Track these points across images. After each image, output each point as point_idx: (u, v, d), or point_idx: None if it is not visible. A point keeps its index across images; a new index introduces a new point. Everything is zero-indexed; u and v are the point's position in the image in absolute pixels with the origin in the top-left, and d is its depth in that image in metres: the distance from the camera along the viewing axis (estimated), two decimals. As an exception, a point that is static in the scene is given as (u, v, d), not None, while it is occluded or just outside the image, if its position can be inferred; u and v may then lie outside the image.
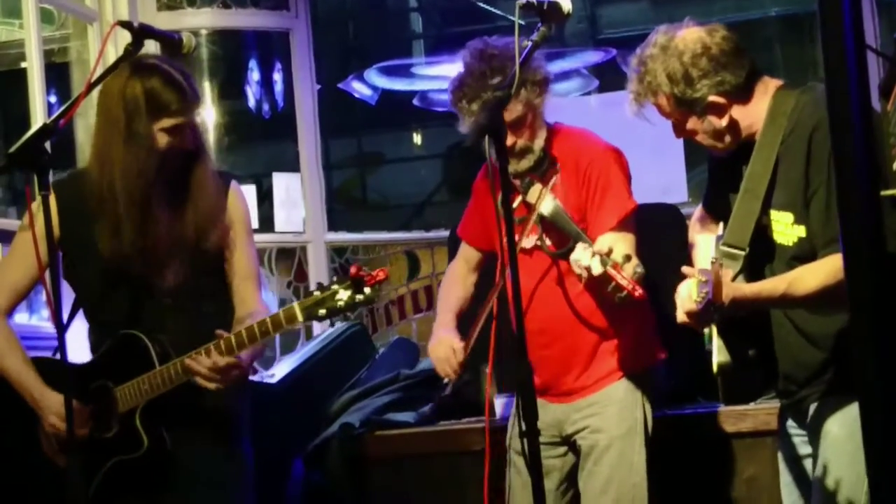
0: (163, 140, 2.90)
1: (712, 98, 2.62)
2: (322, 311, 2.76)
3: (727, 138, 2.67)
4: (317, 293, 2.78)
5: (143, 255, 2.92)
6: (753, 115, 2.65)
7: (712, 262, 2.41)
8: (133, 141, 2.88)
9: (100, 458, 2.93)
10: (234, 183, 3.12)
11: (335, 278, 2.78)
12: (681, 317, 2.52)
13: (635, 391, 3.15)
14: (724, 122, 2.64)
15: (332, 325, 4.71)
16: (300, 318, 2.80)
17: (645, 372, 3.20)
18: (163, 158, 2.91)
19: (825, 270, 2.48)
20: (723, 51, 2.63)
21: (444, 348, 3.15)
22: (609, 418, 3.13)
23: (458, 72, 3.08)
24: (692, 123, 2.67)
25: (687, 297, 2.48)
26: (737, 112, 2.64)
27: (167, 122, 2.89)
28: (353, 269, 2.74)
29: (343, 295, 2.74)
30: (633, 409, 3.15)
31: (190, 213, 2.96)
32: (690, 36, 2.65)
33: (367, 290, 2.73)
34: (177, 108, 2.89)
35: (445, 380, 3.19)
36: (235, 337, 2.86)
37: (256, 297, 3.09)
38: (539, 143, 3.09)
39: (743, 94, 2.64)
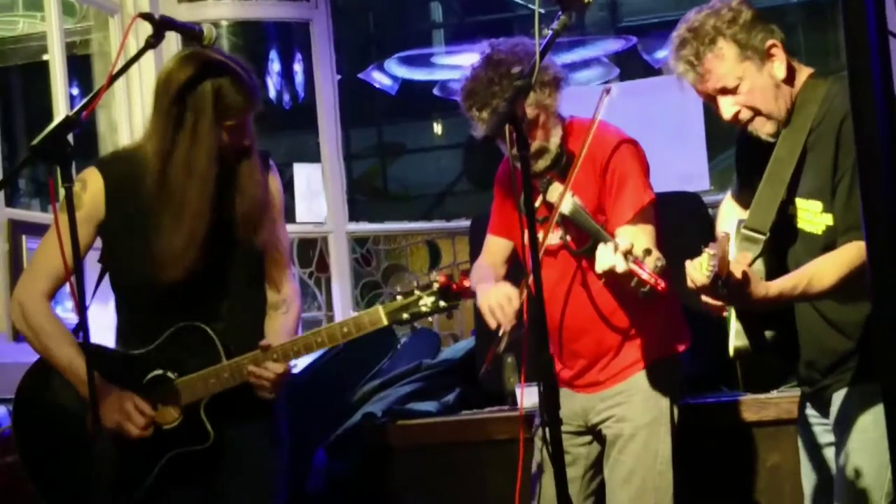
0: (223, 139, 2.89)
1: (770, 41, 2.62)
2: (406, 315, 2.83)
3: (783, 93, 2.63)
4: (400, 298, 2.83)
5: (189, 252, 2.91)
6: (795, 82, 2.65)
7: (721, 236, 2.41)
8: (197, 140, 2.86)
9: (158, 450, 2.92)
10: (271, 162, 3.10)
11: (416, 283, 2.83)
12: (691, 287, 2.51)
13: (661, 380, 3.15)
14: (783, 67, 2.63)
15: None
16: (385, 321, 2.84)
17: (671, 361, 3.20)
18: (220, 157, 2.91)
19: (843, 261, 2.47)
20: (757, 11, 2.67)
21: (498, 295, 2.99)
22: (635, 407, 3.13)
23: (466, 79, 3.08)
24: (751, 79, 2.62)
25: (697, 270, 2.47)
26: (790, 62, 2.65)
27: (230, 122, 2.88)
28: (442, 279, 2.81)
29: (427, 301, 2.81)
30: (658, 397, 3.15)
31: (238, 206, 2.95)
32: (723, 1, 2.68)
33: (451, 298, 2.81)
34: (242, 108, 2.89)
35: (500, 331, 2.98)
36: (315, 336, 2.88)
37: (288, 280, 3.09)
38: (555, 141, 3.09)
39: (788, 51, 2.66)
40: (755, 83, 2.62)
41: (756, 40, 2.62)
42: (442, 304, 2.81)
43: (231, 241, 2.97)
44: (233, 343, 2.92)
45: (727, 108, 2.65)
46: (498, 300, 2.96)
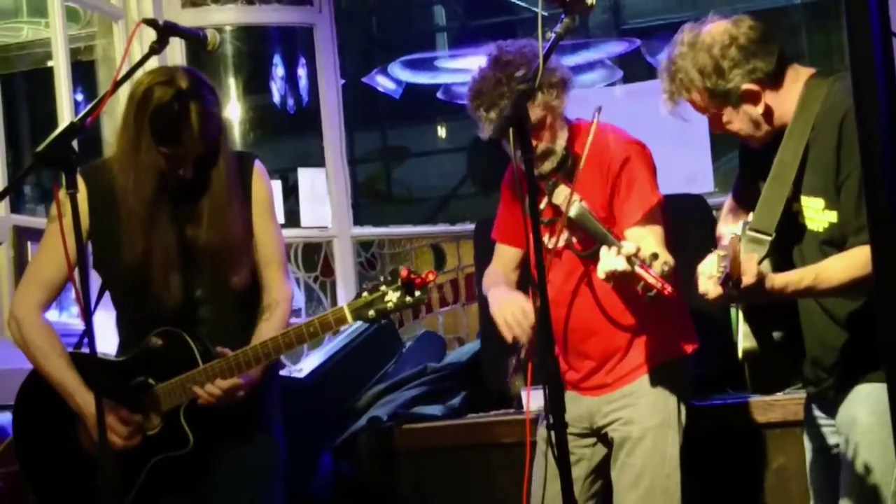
0: (163, 162, 2.89)
1: (746, 86, 2.62)
2: (371, 313, 2.79)
3: (763, 127, 2.67)
4: (365, 295, 2.80)
5: (147, 263, 2.93)
6: (786, 101, 2.66)
7: (731, 238, 2.42)
8: (139, 153, 2.88)
9: (143, 456, 2.94)
10: (257, 163, 3.08)
11: (382, 279, 2.80)
12: (702, 292, 2.52)
13: (669, 382, 3.15)
14: (759, 109, 2.65)
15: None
16: (350, 319, 2.82)
17: (678, 363, 3.20)
18: (164, 179, 2.91)
19: (855, 262, 2.47)
20: (751, 39, 2.64)
21: (515, 309, 2.99)
22: (642, 409, 3.13)
23: (474, 79, 3.08)
24: (728, 115, 2.67)
25: (707, 272, 2.47)
26: (770, 98, 2.65)
27: (166, 150, 2.86)
28: (403, 272, 2.77)
29: (392, 296, 2.78)
30: (666, 400, 3.14)
31: (204, 241, 2.95)
32: (717, 29, 2.67)
33: (417, 292, 2.77)
34: (181, 140, 2.84)
35: (519, 343, 3.00)
36: (283, 337, 2.86)
37: (280, 282, 3.06)
38: (561, 143, 3.09)
39: (775, 80, 2.65)
40: (733, 118, 2.68)
41: (730, 85, 2.62)
42: (408, 299, 2.77)
43: (195, 268, 2.97)
44: (217, 347, 2.92)
45: (715, 131, 2.75)
46: (514, 314, 2.98)
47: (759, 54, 2.63)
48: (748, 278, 2.41)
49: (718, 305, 2.60)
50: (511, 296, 3.07)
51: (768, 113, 2.66)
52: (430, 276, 2.78)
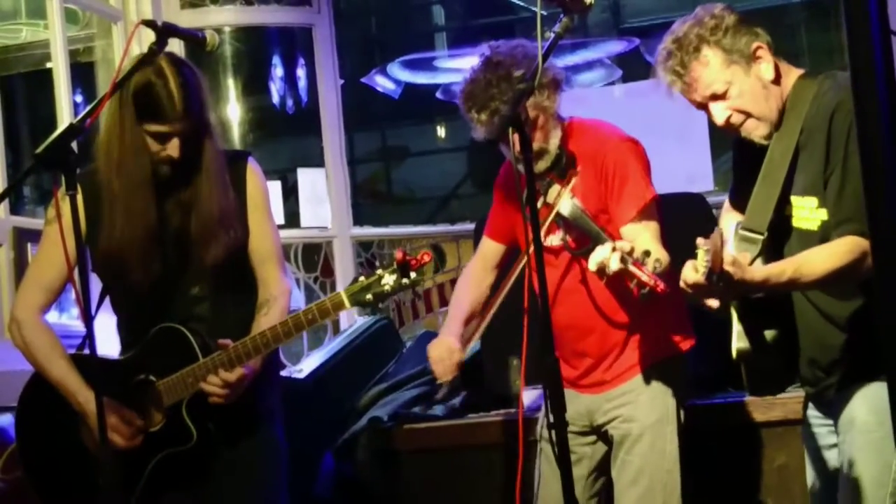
0: (152, 144, 2.89)
1: (755, 44, 2.64)
2: (369, 297, 2.79)
3: (772, 94, 2.65)
4: (362, 279, 2.80)
5: (126, 247, 2.92)
6: (787, 77, 2.67)
7: (714, 232, 2.41)
8: (123, 134, 2.88)
9: (147, 453, 2.94)
10: (250, 161, 3.08)
11: (378, 264, 2.79)
12: (684, 289, 2.51)
13: (666, 379, 3.15)
14: (771, 68, 2.64)
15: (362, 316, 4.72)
16: (347, 304, 2.81)
17: (675, 359, 3.20)
18: (153, 161, 2.90)
19: (835, 253, 2.47)
20: (741, 15, 2.69)
21: (441, 349, 3.19)
22: (641, 407, 3.13)
23: (465, 81, 3.09)
24: (740, 82, 2.64)
25: (692, 268, 2.47)
26: (777, 60, 2.66)
27: (152, 128, 2.87)
28: (398, 255, 2.77)
29: (389, 279, 2.78)
30: (664, 396, 3.15)
31: (192, 223, 2.95)
32: (708, 6, 2.71)
33: (412, 273, 2.77)
34: (163, 115, 2.84)
35: (439, 381, 3.25)
36: (282, 326, 2.86)
37: (276, 278, 3.06)
38: (554, 142, 3.09)
39: (774, 53, 2.67)
40: (744, 86, 2.64)
41: (741, 44, 2.63)
42: (404, 281, 2.77)
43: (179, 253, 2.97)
44: (218, 340, 2.92)
45: (719, 113, 2.67)
46: (440, 354, 3.20)
47: (755, 24, 2.67)
48: (730, 268, 2.40)
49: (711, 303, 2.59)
50: (444, 336, 3.26)
51: (778, 78, 2.65)
52: (426, 258, 2.79)
